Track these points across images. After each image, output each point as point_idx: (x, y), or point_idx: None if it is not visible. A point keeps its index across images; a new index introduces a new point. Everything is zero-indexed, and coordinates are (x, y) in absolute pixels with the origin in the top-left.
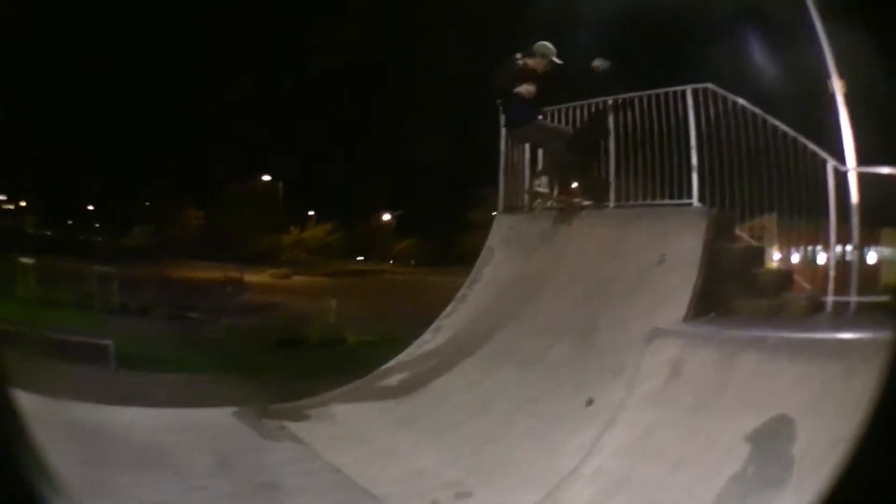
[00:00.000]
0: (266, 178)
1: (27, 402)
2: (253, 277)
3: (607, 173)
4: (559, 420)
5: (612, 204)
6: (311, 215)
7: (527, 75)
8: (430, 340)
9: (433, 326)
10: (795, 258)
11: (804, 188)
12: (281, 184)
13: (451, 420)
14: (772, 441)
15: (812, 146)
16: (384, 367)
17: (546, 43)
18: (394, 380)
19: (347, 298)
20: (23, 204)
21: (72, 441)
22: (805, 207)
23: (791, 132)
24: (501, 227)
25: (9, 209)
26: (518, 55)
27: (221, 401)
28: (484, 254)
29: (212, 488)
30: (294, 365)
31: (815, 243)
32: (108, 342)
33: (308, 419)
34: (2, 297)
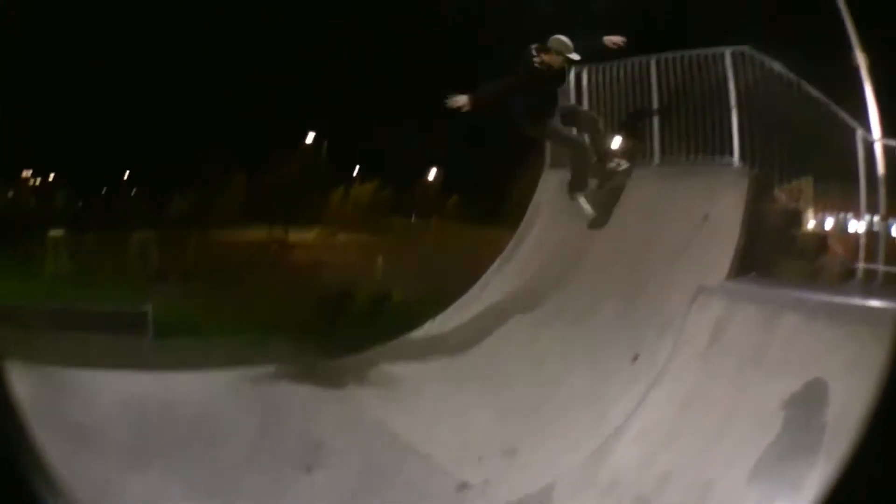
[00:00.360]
0: (311, 137)
1: (57, 377)
2: (298, 237)
3: (651, 131)
4: (607, 378)
5: (657, 161)
6: (356, 174)
7: (541, 73)
8: (477, 296)
9: (480, 282)
10: (827, 224)
11: (837, 156)
12: (326, 143)
13: (500, 378)
14: (808, 406)
15: (843, 114)
16: (431, 323)
17: (562, 38)
18: (441, 337)
19: (394, 255)
20: (51, 177)
21: (113, 411)
22: (837, 175)
23: (823, 99)
24: (549, 183)
25: (35, 185)
26: (533, 49)
27: (267, 361)
28: (531, 210)
29: (259, 450)
30: (341, 323)
31: (846, 211)
32: (147, 309)
33: (355, 377)
34: (31, 274)
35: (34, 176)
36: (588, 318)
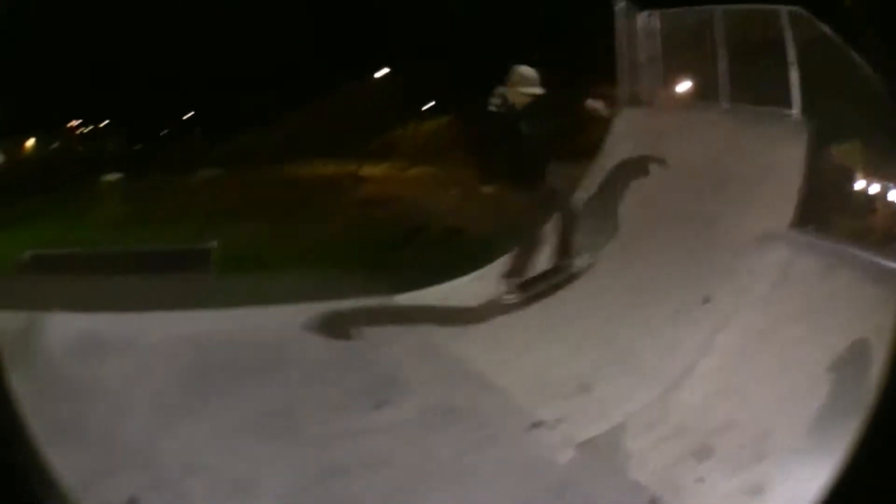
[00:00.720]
0: (384, 71)
1: (119, 322)
2: (369, 171)
3: (718, 76)
4: (676, 316)
5: (724, 106)
6: (427, 108)
7: (506, 115)
8: (553, 230)
9: (556, 216)
10: (872, 189)
11: (880, 125)
12: (400, 77)
13: (573, 312)
14: (857, 364)
15: (882, 86)
16: (505, 257)
17: (522, 69)
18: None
19: (466, 189)
20: (106, 121)
21: (181, 350)
22: (882, 143)
23: (867, 68)
24: (622, 121)
25: (88, 131)
26: (494, 106)
27: (339, 295)
28: (604, 148)
29: (333, 385)
30: (414, 256)
31: (888, 180)
32: (212, 246)
33: (429, 310)
34: (87, 220)
35: (86, 123)
36: (660, 254)
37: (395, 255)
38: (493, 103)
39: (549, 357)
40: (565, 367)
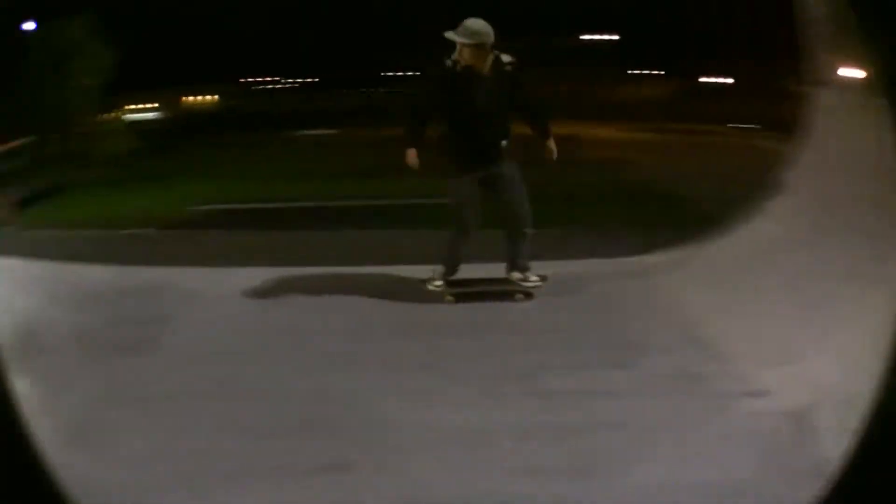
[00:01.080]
0: (607, 36)
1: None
2: (593, 132)
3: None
4: (865, 296)
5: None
6: (644, 73)
7: (465, 83)
8: (767, 205)
9: (765, 194)
10: None
11: None
12: (616, 37)
13: (780, 286)
14: None
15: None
16: (724, 225)
17: (472, 23)
18: (730, 240)
19: (687, 156)
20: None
21: (406, 305)
22: None
23: None
24: (821, 101)
25: (297, 84)
26: (449, 60)
27: (567, 256)
28: (809, 126)
29: (571, 345)
30: (631, 220)
31: None
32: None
33: (653, 275)
34: (286, 175)
35: (281, 79)
36: (844, 233)
37: (613, 216)
38: (453, 57)
39: (769, 326)
40: (781, 338)
